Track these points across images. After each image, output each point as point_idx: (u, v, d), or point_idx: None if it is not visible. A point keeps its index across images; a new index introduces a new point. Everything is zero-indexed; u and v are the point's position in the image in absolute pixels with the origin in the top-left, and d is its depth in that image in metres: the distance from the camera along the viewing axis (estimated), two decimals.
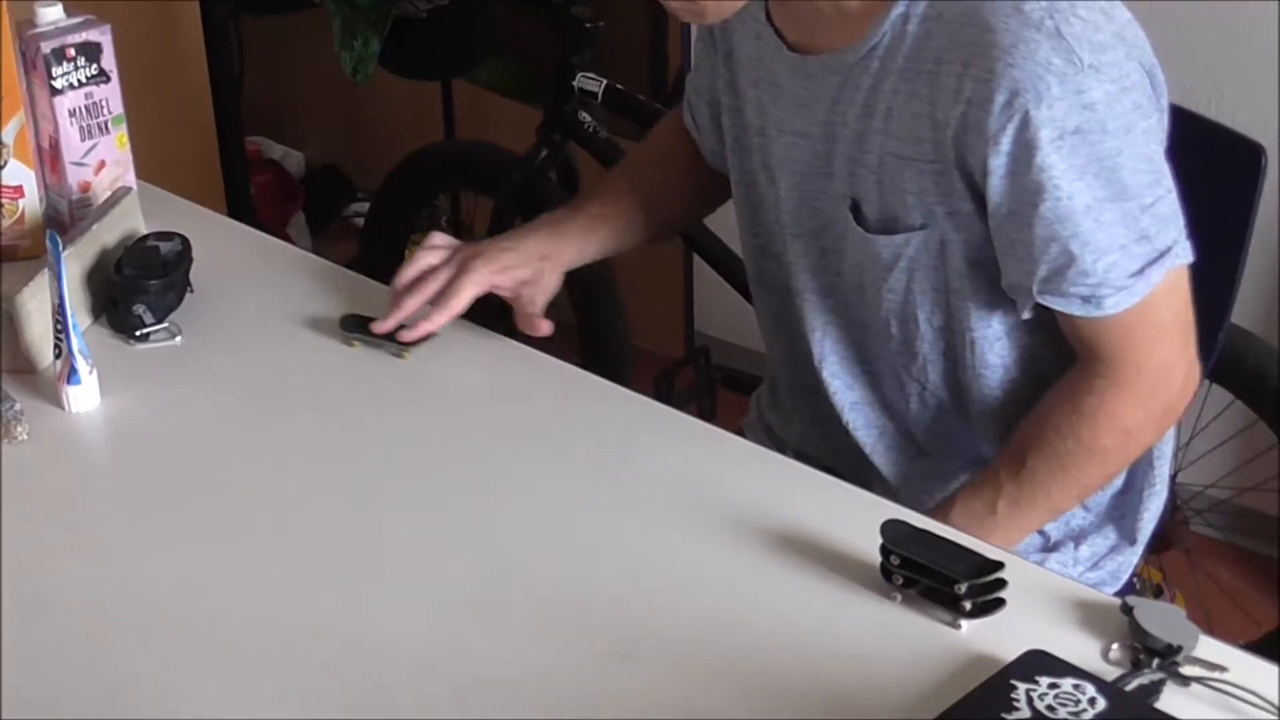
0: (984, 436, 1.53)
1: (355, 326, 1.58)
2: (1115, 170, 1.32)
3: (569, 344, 2.50)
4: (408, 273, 1.60)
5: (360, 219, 3.62)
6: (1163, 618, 1.16)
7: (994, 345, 1.47)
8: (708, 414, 2.48)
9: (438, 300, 1.56)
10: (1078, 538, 1.55)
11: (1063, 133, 1.30)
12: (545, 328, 1.59)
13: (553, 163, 2.64)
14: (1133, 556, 1.59)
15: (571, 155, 2.66)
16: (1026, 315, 1.42)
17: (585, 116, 2.56)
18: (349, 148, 3.87)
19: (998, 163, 1.32)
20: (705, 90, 1.65)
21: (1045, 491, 1.43)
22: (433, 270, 1.59)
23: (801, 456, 1.56)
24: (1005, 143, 1.31)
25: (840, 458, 1.60)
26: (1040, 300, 1.38)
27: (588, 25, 2.52)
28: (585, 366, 1.58)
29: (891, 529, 1.23)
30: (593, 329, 2.66)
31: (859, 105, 1.41)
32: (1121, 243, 1.34)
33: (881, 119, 1.39)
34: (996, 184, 1.34)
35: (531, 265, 1.61)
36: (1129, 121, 1.32)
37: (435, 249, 1.62)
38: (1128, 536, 1.57)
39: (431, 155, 3.03)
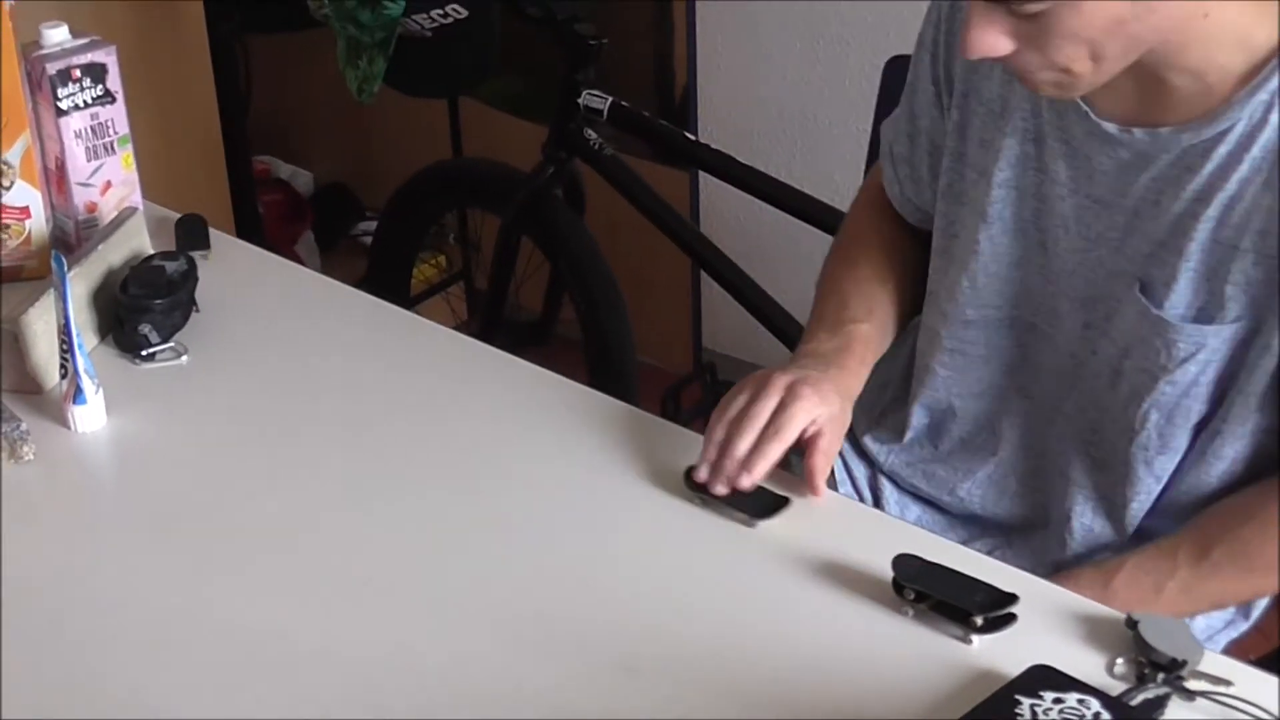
0: (1171, 517, 1.46)
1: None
2: None
3: (575, 359, 2.50)
4: (726, 421, 1.42)
5: (368, 238, 3.62)
6: (1167, 632, 1.16)
7: (1236, 441, 1.40)
8: None
9: (768, 431, 1.39)
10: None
11: None
12: (823, 491, 1.41)
13: (559, 180, 2.64)
14: (1243, 630, 1.55)
15: (578, 173, 2.66)
16: None
17: (591, 134, 2.56)
18: (357, 167, 3.87)
19: None
20: (927, 137, 1.56)
21: (1221, 588, 1.40)
22: (750, 404, 1.42)
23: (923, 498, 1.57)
24: None
25: (1007, 505, 1.57)
26: None
27: (591, 42, 2.52)
28: (591, 382, 1.58)
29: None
30: (599, 344, 2.66)
31: (1190, 188, 1.33)
32: None
33: (1219, 206, 1.31)
34: None
35: (840, 404, 1.45)
36: None
37: (743, 389, 1.45)
38: (1243, 611, 1.54)
39: (439, 174, 3.03)
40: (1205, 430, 1.41)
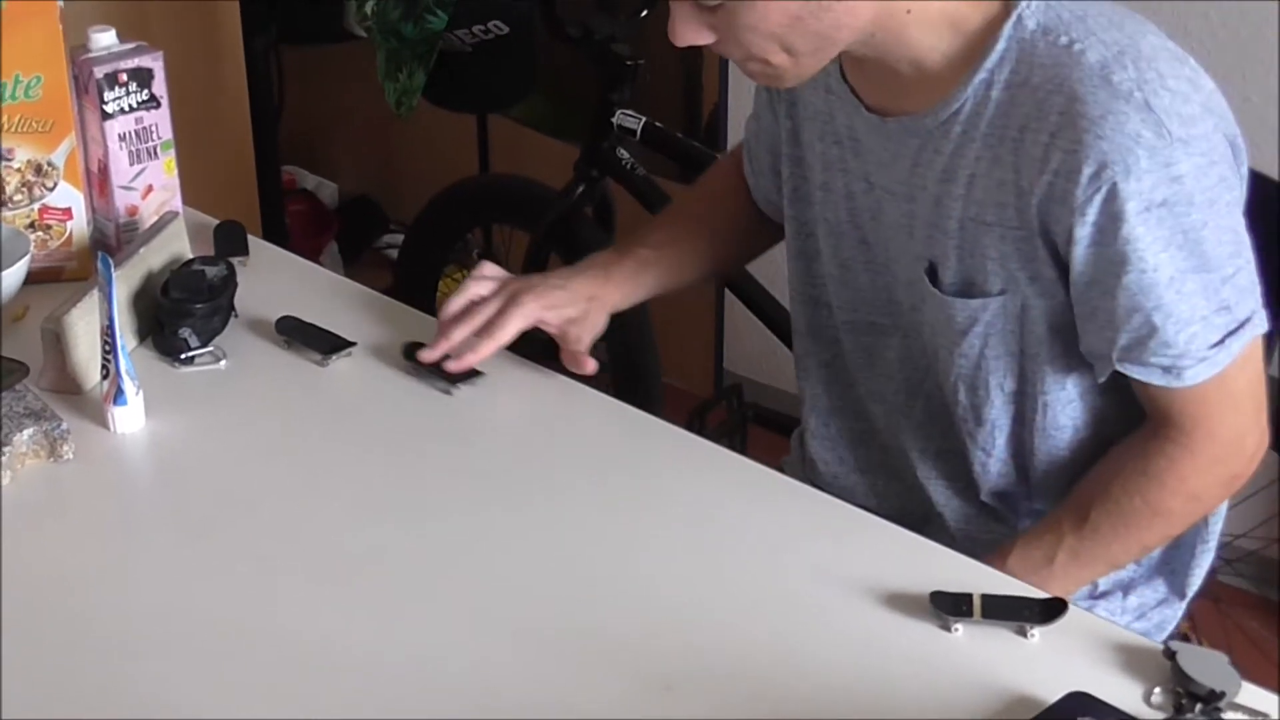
0: (1044, 493, 1.52)
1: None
2: (1199, 242, 1.32)
3: (601, 379, 2.50)
4: (456, 302, 1.60)
5: (393, 250, 3.64)
6: (1205, 663, 1.16)
7: (1066, 408, 1.47)
8: (739, 451, 2.47)
9: (484, 331, 1.57)
10: (1126, 588, 1.55)
11: (1150, 205, 1.29)
12: (590, 365, 1.61)
13: (590, 199, 2.65)
14: (1179, 609, 1.59)
15: (608, 192, 2.67)
16: (1102, 379, 1.41)
17: (623, 153, 2.57)
18: (382, 179, 3.89)
19: (1083, 232, 1.32)
20: (766, 137, 1.65)
21: (1106, 547, 1.44)
22: (481, 301, 1.60)
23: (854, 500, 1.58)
24: (1091, 213, 1.30)
25: (897, 502, 1.61)
26: (1119, 369, 1.38)
27: (629, 63, 2.54)
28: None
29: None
30: (625, 365, 2.66)
31: (938, 170, 1.40)
32: (1203, 314, 1.34)
33: (963, 185, 1.38)
34: (1081, 253, 1.33)
35: (579, 305, 1.62)
36: (1214, 194, 1.32)
37: (484, 279, 1.63)
38: (1177, 590, 1.58)
39: (470, 188, 3.04)
40: (1027, 402, 1.47)
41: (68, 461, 1.44)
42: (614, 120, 2.55)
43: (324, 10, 3.00)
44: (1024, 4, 1.33)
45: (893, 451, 1.61)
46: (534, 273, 2.67)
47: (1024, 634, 1.22)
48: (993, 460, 1.52)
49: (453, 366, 1.56)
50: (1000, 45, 1.33)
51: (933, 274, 1.44)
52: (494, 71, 2.68)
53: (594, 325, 1.64)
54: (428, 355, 1.57)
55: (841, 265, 1.55)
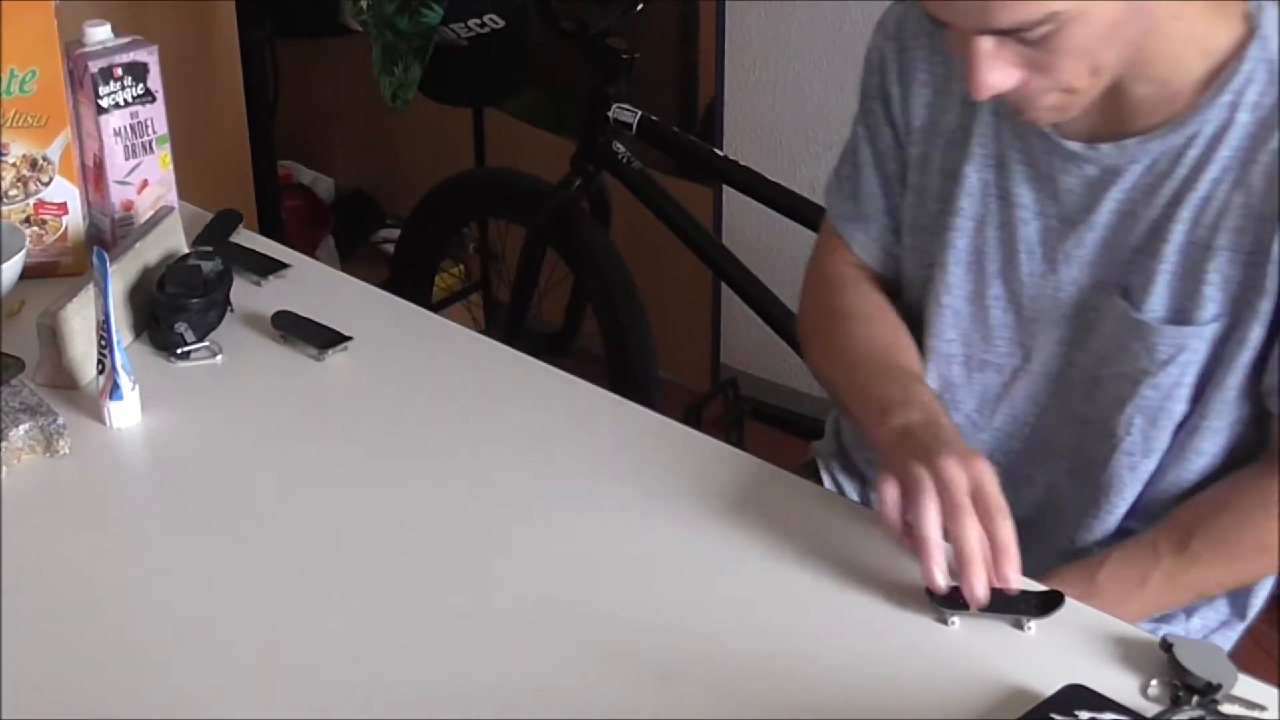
0: (1145, 514, 1.48)
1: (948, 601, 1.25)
2: None
3: (596, 372, 2.51)
4: (932, 535, 1.24)
5: (389, 245, 3.64)
6: (1202, 655, 1.16)
7: (1214, 436, 1.43)
8: (736, 446, 2.48)
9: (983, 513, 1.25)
10: (1190, 609, 1.52)
11: None
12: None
13: (586, 193, 2.65)
14: (1240, 630, 1.56)
15: (604, 186, 2.67)
16: (1275, 412, 1.39)
17: (619, 147, 2.57)
18: (378, 174, 3.89)
19: None
20: (898, 183, 1.55)
21: (1203, 576, 1.41)
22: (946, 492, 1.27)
23: None
24: None
25: None
26: None
27: (624, 56, 2.53)
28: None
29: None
30: (621, 358, 2.66)
31: (1163, 194, 1.35)
32: None
33: (1192, 208, 1.34)
34: None
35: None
36: None
37: (921, 487, 1.26)
38: (1239, 612, 1.55)
39: (466, 182, 3.04)
40: (1184, 428, 1.44)
41: (64, 456, 1.44)
42: (610, 114, 2.54)
43: (319, 4, 3.00)
44: (1266, 26, 1.31)
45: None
46: (534, 269, 2.70)
47: (1020, 627, 1.22)
48: (1140, 489, 1.47)
49: (1011, 578, 1.23)
50: (1246, 66, 1.31)
51: (1127, 300, 1.40)
52: (489, 65, 2.68)
53: None
54: (943, 582, 1.23)
55: (966, 299, 1.49)
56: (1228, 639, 1.56)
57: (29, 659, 1.19)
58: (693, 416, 2.52)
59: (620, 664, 1.19)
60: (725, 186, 2.91)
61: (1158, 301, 1.38)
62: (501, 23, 2.58)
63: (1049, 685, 1.14)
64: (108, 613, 1.26)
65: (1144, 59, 1.31)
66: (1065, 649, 1.20)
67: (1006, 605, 1.22)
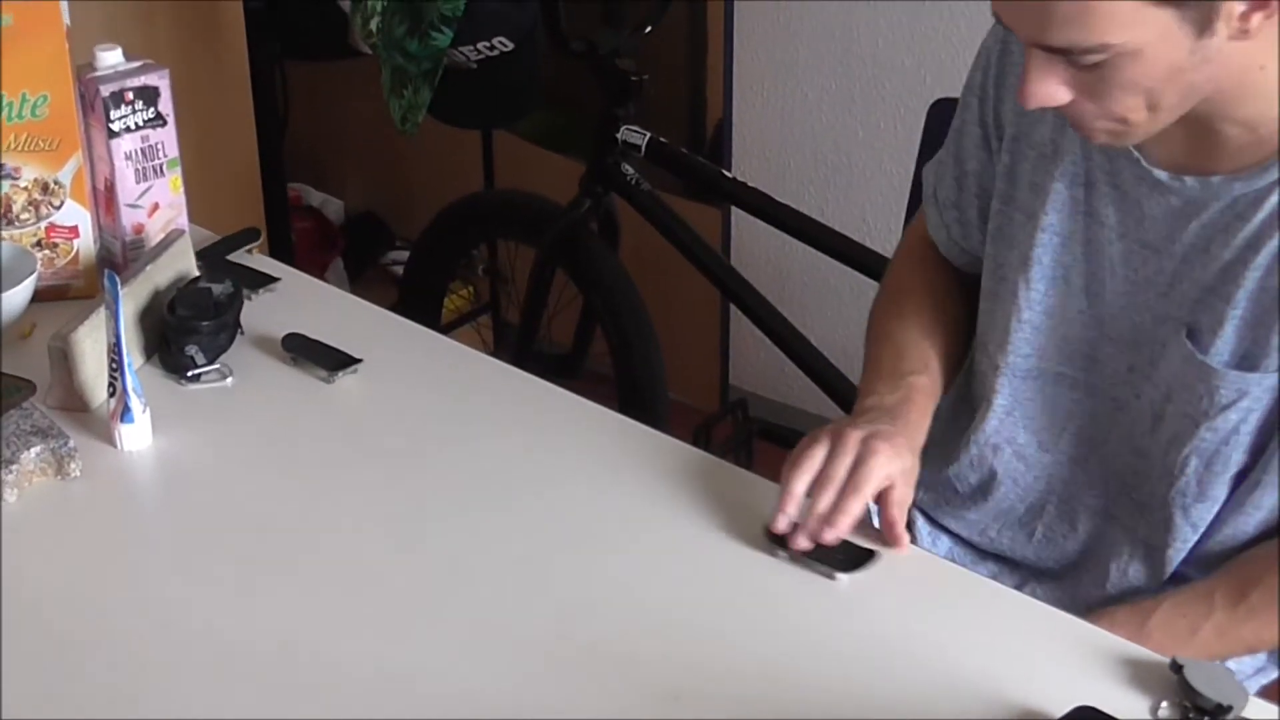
0: (1207, 566, 1.47)
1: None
2: None
3: (605, 394, 2.51)
4: (804, 475, 1.39)
5: (398, 267, 3.64)
6: (1212, 677, 1.16)
7: (1272, 490, 1.41)
8: (745, 466, 2.48)
9: (847, 486, 1.37)
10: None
11: None
12: (905, 542, 1.40)
13: (595, 214, 2.65)
14: (1274, 677, 1.55)
15: (613, 207, 2.68)
16: None
17: (628, 169, 2.58)
18: (388, 196, 3.89)
19: None
20: (975, 179, 1.56)
21: (1256, 631, 1.40)
22: (830, 459, 1.40)
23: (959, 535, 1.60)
24: None
25: (1038, 550, 1.57)
26: None
27: (633, 78, 2.54)
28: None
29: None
30: (630, 379, 2.67)
31: (1241, 236, 1.33)
32: None
33: (1269, 254, 1.32)
34: None
35: (910, 458, 1.44)
36: None
37: (817, 442, 1.42)
38: (1275, 659, 1.55)
39: (475, 204, 3.05)
40: (1245, 481, 1.42)
41: (75, 479, 1.45)
42: (619, 136, 2.55)
43: (329, 27, 3.01)
44: None
45: (1046, 502, 1.55)
46: (543, 291, 2.70)
47: (831, 577, 1.31)
48: (1194, 536, 1.45)
49: (829, 538, 1.35)
50: None
51: (1191, 338, 1.38)
52: (499, 88, 2.68)
53: (915, 477, 1.45)
54: (781, 526, 1.37)
55: (1046, 312, 1.49)
56: (1262, 684, 1.55)
57: (39, 680, 1.20)
58: (702, 438, 2.52)
59: (630, 683, 1.19)
60: (734, 208, 2.91)
61: (1224, 345, 1.36)
62: (510, 45, 2.59)
63: (1059, 707, 1.14)
64: (118, 634, 1.26)
65: (1230, 101, 1.29)
66: (1076, 670, 1.20)
67: (823, 555, 1.33)
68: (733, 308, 2.76)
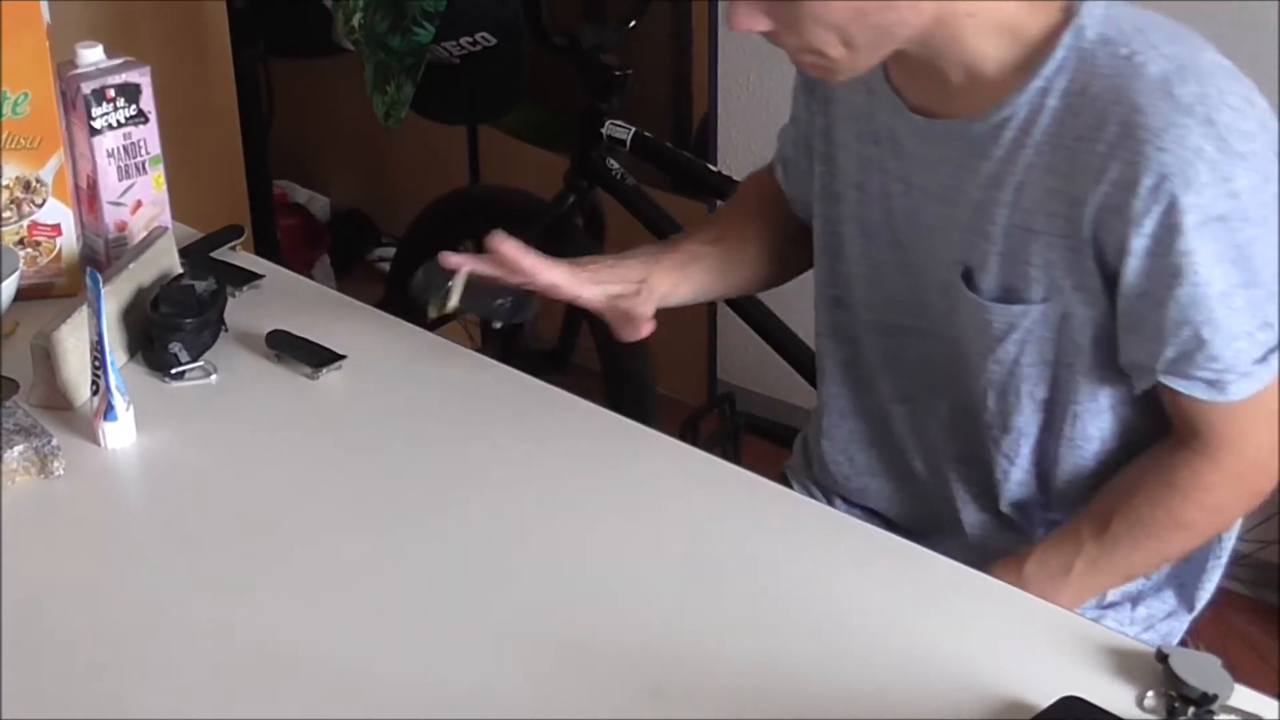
0: (1063, 504, 1.51)
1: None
2: (1250, 259, 1.31)
3: (592, 389, 2.51)
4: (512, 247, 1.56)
5: (384, 263, 3.65)
6: (1198, 666, 1.16)
7: (1096, 419, 1.46)
8: (733, 460, 2.47)
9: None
10: (1135, 599, 1.55)
11: (1207, 219, 1.28)
12: (648, 328, 1.60)
13: (580, 209, 2.65)
14: (1186, 621, 1.59)
15: (599, 202, 2.68)
16: (1140, 391, 1.41)
17: (613, 163, 2.58)
18: (374, 193, 3.89)
19: (1138, 244, 1.31)
20: (804, 139, 1.63)
21: (1126, 558, 1.44)
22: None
23: (866, 504, 1.62)
24: (1149, 225, 1.29)
25: (911, 507, 1.62)
26: (1163, 381, 1.37)
27: (617, 73, 2.54)
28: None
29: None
30: (618, 374, 2.66)
31: (984, 175, 1.39)
32: (1248, 329, 1.33)
33: (1010, 191, 1.37)
34: (1134, 264, 1.32)
35: (629, 285, 1.60)
36: (1267, 211, 1.31)
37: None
38: (1185, 602, 1.57)
39: (461, 200, 3.04)
40: (1057, 411, 1.46)
41: (58, 477, 1.44)
42: (603, 130, 2.55)
43: (313, 23, 3.00)
44: (1084, 14, 1.32)
45: (909, 455, 1.61)
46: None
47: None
48: (1015, 469, 1.51)
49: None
50: (1059, 54, 1.32)
51: (968, 278, 1.43)
52: (482, 83, 2.68)
53: (643, 307, 1.60)
54: (453, 260, 1.59)
55: (871, 266, 1.54)
56: (1174, 629, 1.59)
57: (24, 680, 1.19)
58: (689, 431, 2.51)
59: (615, 678, 1.19)
60: (719, 202, 2.91)
61: (991, 280, 1.42)
62: (494, 40, 2.58)
63: (1045, 697, 1.13)
64: (103, 633, 1.26)
65: (945, 44, 1.34)
66: (1061, 660, 1.20)
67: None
68: (719, 301, 2.76)
